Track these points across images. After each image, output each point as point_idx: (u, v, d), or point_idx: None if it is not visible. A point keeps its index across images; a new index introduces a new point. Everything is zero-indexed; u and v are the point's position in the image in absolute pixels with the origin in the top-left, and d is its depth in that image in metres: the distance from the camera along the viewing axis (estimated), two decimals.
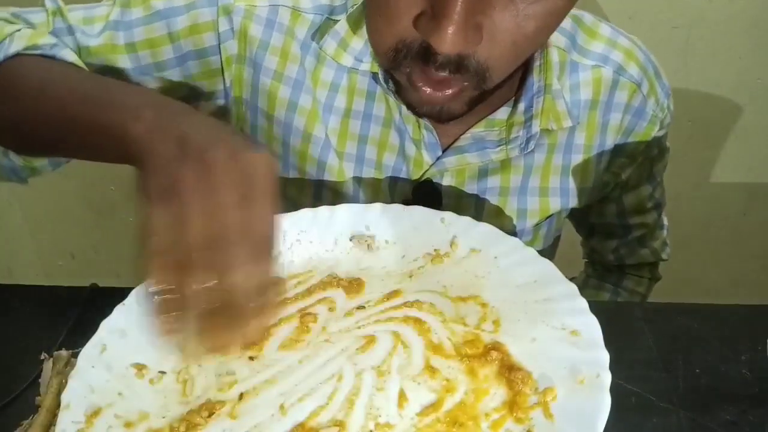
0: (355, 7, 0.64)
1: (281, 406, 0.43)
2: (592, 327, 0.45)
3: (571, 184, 0.69)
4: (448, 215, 0.57)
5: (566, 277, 0.49)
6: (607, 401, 0.40)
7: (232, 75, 0.67)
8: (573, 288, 0.48)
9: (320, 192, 0.69)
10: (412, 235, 0.57)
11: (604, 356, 0.42)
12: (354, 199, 0.67)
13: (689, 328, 0.55)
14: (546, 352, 0.45)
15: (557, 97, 0.64)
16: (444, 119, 0.58)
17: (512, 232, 0.69)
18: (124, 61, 0.65)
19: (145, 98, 0.48)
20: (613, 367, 0.41)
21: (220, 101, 0.70)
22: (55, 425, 0.43)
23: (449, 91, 0.53)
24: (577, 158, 0.68)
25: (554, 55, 0.63)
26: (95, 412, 0.43)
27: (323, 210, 0.59)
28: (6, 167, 0.59)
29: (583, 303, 0.47)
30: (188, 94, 0.69)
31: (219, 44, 0.65)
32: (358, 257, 0.56)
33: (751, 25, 1.20)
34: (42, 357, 0.53)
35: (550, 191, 0.69)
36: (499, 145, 0.65)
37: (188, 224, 0.36)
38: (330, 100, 0.66)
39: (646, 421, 0.46)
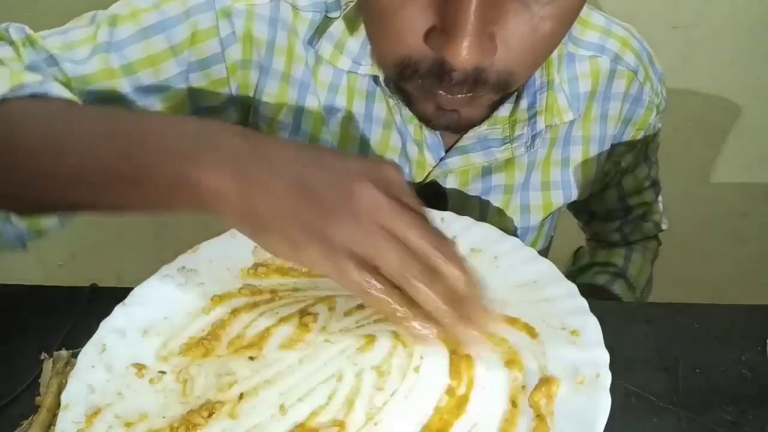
0: (349, 6, 0.61)
1: (281, 406, 0.43)
2: (592, 327, 0.45)
3: (572, 177, 0.69)
4: (448, 215, 0.57)
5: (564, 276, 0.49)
6: (607, 401, 0.40)
7: (238, 81, 0.64)
8: (573, 288, 0.48)
9: None
10: None
11: (604, 356, 0.42)
12: None
13: (689, 328, 0.55)
14: (546, 351, 0.45)
15: (558, 91, 0.63)
16: (463, 128, 0.56)
17: (516, 230, 0.69)
18: (122, 85, 0.59)
19: (197, 132, 0.43)
20: (613, 367, 0.41)
21: (228, 113, 0.66)
22: (55, 425, 0.43)
23: (470, 94, 0.51)
24: (576, 150, 0.68)
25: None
26: (95, 412, 0.43)
27: None
28: (8, 235, 0.50)
29: (583, 303, 0.47)
30: (194, 112, 0.64)
31: (222, 51, 0.61)
32: None
33: (751, 25, 1.20)
34: (42, 357, 0.53)
35: (552, 185, 0.68)
36: (504, 144, 0.64)
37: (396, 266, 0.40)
38: (330, 101, 0.64)
39: (646, 421, 0.46)
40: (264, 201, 0.40)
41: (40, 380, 0.51)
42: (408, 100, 0.58)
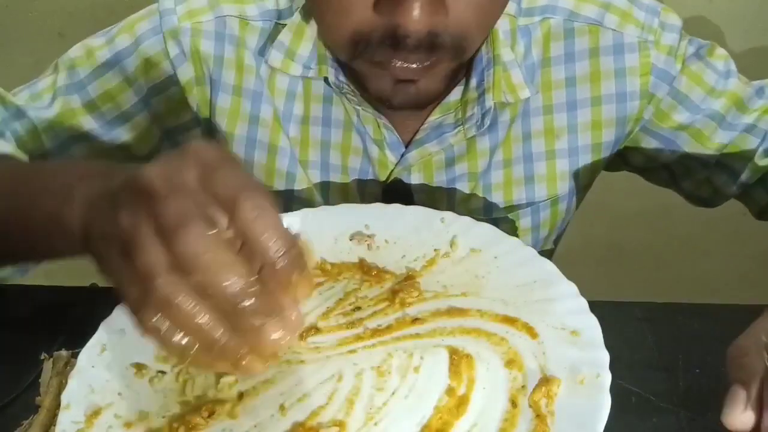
0: (296, 12, 0.63)
1: (281, 406, 0.43)
2: (592, 327, 0.45)
3: (536, 149, 0.66)
4: (448, 215, 0.57)
5: (566, 277, 0.49)
6: (607, 401, 0.40)
7: (196, 99, 0.66)
8: (573, 288, 0.48)
9: (290, 204, 0.68)
10: (412, 234, 0.57)
11: (604, 356, 0.42)
12: None
13: (689, 328, 0.55)
14: (546, 351, 0.45)
15: (512, 68, 0.62)
16: (422, 102, 0.55)
17: (484, 212, 0.68)
18: (88, 123, 0.63)
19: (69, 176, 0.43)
20: (613, 367, 0.41)
21: (195, 131, 0.68)
22: (55, 425, 0.43)
23: (426, 63, 0.51)
24: (538, 121, 0.65)
25: (502, 25, 0.62)
26: (95, 412, 0.43)
27: (323, 209, 0.59)
28: None
29: (583, 303, 0.47)
30: (163, 135, 0.67)
31: (174, 71, 0.64)
32: (358, 257, 0.56)
33: (751, 25, 1.20)
34: (42, 357, 0.53)
35: (513, 161, 0.67)
36: (456, 127, 0.64)
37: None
38: (288, 108, 0.65)
39: (646, 421, 0.46)
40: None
41: (40, 380, 0.51)
42: (363, 83, 0.57)
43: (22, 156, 0.60)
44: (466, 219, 0.57)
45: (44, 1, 1.26)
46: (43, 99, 0.63)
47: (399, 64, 0.51)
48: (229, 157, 0.35)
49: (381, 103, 0.58)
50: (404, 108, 0.59)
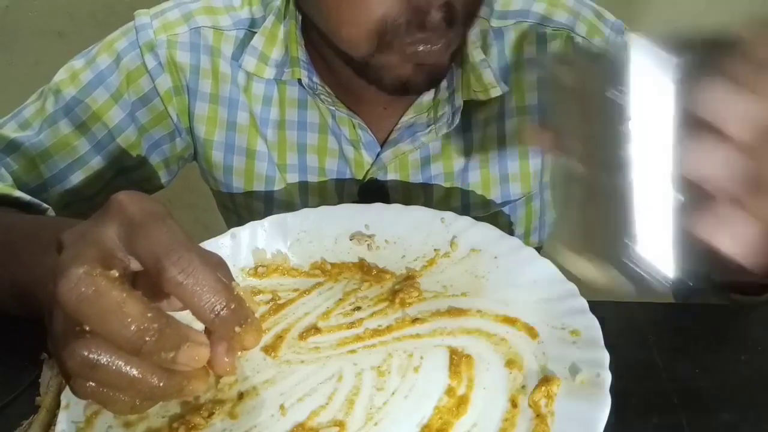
0: (268, 18, 0.65)
1: (281, 406, 0.43)
2: (592, 327, 0.45)
3: (511, 148, 0.69)
4: (448, 215, 0.57)
5: (566, 277, 0.49)
6: (607, 401, 0.40)
7: (176, 109, 0.67)
8: (573, 288, 0.48)
9: (270, 206, 0.70)
10: (412, 235, 0.57)
11: (604, 356, 0.42)
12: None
13: (689, 328, 0.55)
14: (546, 351, 0.45)
15: (482, 67, 0.64)
16: (436, 79, 0.59)
17: (462, 210, 0.69)
18: (81, 146, 0.65)
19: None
20: (613, 367, 0.41)
21: (179, 140, 0.70)
22: (55, 425, 0.43)
23: (443, 40, 0.54)
24: (512, 123, 0.67)
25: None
26: (95, 412, 0.43)
27: (323, 209, 0.59)
28: None
29: (583, 303, 0.47)
30: (150, 147, 0.68)
31: (154, 83, 0.65)
32: (358, 257, 0.56)
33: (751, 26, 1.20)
34: (42, 357, 0.53)
35: (490, 161, 0.69)
36: (428, 126, 0.66)
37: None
38: (265, 113, 0.67)
39: (646, 421, 0.46)
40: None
41: (40, 380, 0.51)
42: (377, 77, 0.59)
43: (19, 194, 0.60)
44: (467, 219, 0.57)
45: (44, 1, 1.26)
46: (33, 126, 0.64)
47: (423, 47, 0.53)
48: (154, 211, 0.34)
49: (398, 93, 0.60)
50: (422, 90, 0.61)
